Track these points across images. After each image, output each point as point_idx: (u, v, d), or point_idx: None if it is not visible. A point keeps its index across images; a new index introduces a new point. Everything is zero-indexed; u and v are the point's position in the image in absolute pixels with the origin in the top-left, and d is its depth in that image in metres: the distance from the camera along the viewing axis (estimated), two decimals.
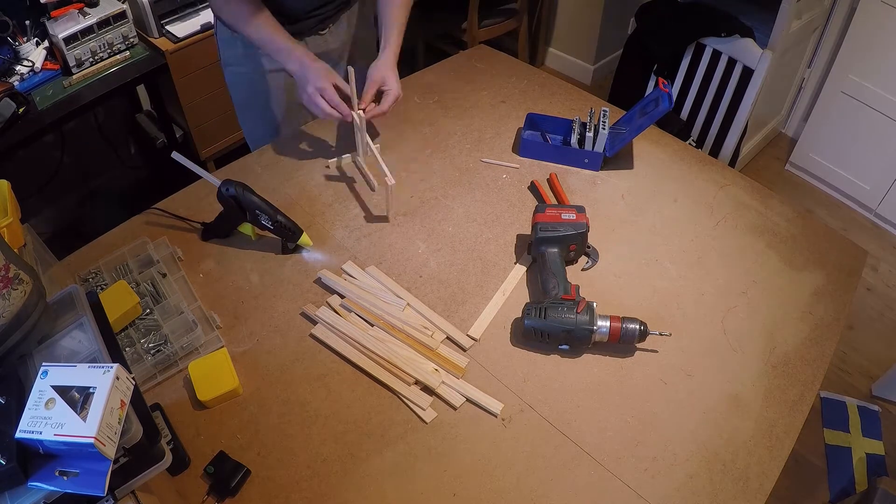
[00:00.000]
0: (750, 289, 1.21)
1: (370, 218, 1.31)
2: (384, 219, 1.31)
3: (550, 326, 1.05)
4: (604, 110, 1.43)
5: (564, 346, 1.08)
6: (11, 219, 0.96)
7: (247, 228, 1.23)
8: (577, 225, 1.18)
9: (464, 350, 1.09)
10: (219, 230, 1.25)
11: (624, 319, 1.06)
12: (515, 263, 1.23)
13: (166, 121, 2.37)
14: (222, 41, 1.46)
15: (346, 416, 1.00)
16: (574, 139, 1.44)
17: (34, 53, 1.90)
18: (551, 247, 1.17)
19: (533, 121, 1.52)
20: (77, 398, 0.63)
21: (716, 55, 1.98)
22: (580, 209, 1.20)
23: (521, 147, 1.47)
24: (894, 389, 2.03)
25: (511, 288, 1.19)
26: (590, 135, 1.41)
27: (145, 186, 2.67)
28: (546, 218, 1.18)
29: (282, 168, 1.42)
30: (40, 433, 0.60)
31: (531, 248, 1.20)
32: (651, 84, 2.29)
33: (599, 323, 1.05)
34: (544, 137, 1.51)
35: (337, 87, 1.27)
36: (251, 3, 1.27)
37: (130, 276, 1.17)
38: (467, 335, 1.11)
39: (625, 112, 1.52)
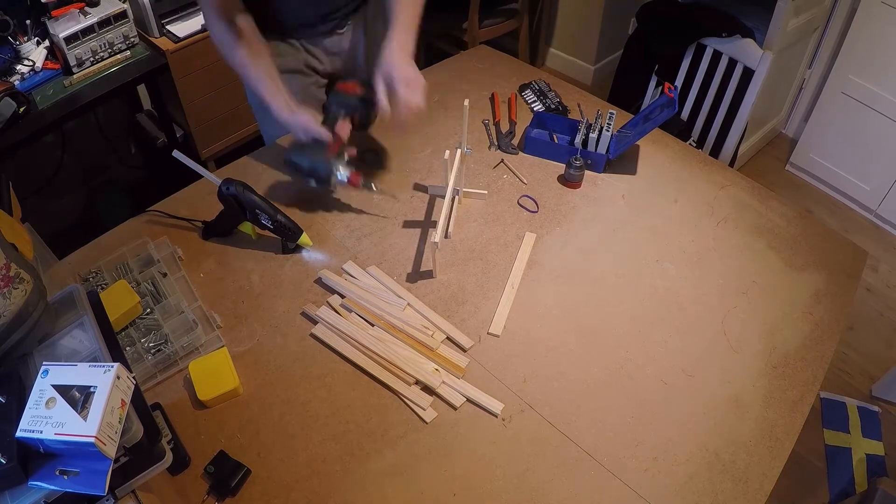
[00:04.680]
0: (750, 289, 1.21)
1: (378, 222, 1.31)
2: (385, 219, 1.31)
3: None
4: (611, 113, 1.42)
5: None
6: (12, 219, 0.96)
7: (247, 228, 1.23)
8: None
9: (464, 350, 1.09)
10: (219, 229, 1.25)
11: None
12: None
13: (167, 120, 2.36)
14: None
15: (346, 416, 1.00)
16: (579, 139, 1.44)
17: (35, 53, 1.90)
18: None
19: (541, 119, 1.52)
20: (78, 397, 0.63)
21: (716, 55, 1.97)
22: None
23: (526, 144, 1.48)
24: (894, 390, 2.03)
25: (518, 281, 1.19)
26: (593, 135, 1.41)
27: (146, 186, 2.67)
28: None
29: (282, 168, 1.42)
30: (41, 432, 0.60)
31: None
32: (652, 84, 2.29)
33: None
34: (552, 137, 1.51)
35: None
36: (235, 32, 1.19)
37: (131, 276, 1.17)
38: (489, 333, 1.11)
39: (630, 115, 1.52)
